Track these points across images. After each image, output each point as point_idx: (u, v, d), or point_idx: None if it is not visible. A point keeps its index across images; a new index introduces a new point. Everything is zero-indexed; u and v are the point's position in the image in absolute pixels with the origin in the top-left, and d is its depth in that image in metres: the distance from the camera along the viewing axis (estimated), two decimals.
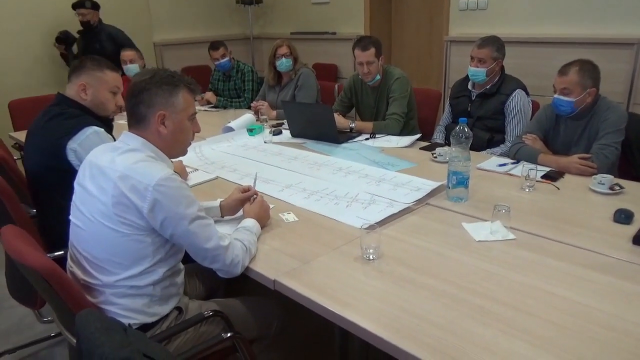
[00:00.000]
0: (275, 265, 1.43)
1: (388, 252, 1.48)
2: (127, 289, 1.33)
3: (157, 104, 1.38)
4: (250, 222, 1.56)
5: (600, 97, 2.21)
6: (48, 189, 1.91)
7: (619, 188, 1.89)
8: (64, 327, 1.44)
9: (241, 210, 1.74)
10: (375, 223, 1.57)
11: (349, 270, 1.40)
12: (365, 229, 1.45)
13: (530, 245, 1.52)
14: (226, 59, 3.87)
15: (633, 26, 3.31)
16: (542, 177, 2.05)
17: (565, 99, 2.17)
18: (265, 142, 2.79)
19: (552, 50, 3.59)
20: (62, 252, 1.67)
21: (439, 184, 1.97)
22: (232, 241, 1.41)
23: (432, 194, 1.93)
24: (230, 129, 3.00)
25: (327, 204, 1.89)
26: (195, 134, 1.51)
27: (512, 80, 2.70)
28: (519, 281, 1.32)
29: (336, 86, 3.87)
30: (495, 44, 2.62)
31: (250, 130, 2.99)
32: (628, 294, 1.25)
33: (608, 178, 1.90)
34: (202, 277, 1.77)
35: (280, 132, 2.96)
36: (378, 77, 2.93)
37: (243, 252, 1.42)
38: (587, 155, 2.12)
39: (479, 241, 1.55)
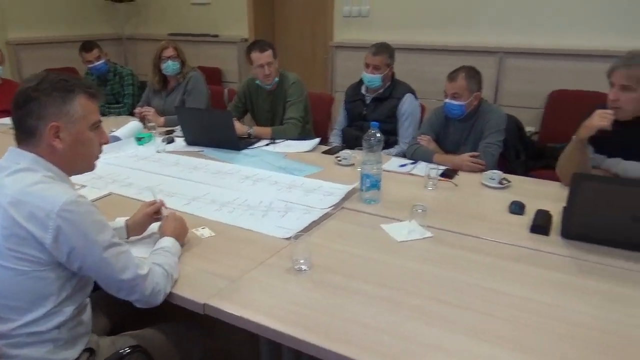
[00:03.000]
0: (202, 288, 1.32)
1: (318, 261, 1.45)
2: (27, 337, 1.12)
3: (49, 114, 1.18)
4: (168, 242, 1.42)
5: (483, 100, 2.44)
6: None
7: (507, 182, 2.09)
8: None
9: (149, 228, 1.59)
10: (299, 231, 1.54)
11: (282, 283, 1.34)
12: (294, 238, 1.41)
13: (446, 241, 1.61)
14: (101, 61, 3.52)
15: (497, 36, 3.72)
16: (440, 175, 2.19)
17: (457, 102, 2.35)
18: (158, 152, 2.59)
19: (432, 56, 3.88)
20: None
21: (350, 187, 2.00)
22: (152, 267, 1.27)
23: (345, 197, 1.94)
24: (117, 139, 2.73)
25: (241, 215, 1.80)
26: None
27: (402, 85, 2.86)
28: (446, 277, 1.38)
29: (225, 90, 3.75)
30: (388, 51, 2.75)
31: (139, 139, 2.75)
32: (539, 278, 1.37)
33: (497, 173, 2.10)
34: (107, 308, 1.56)
35: (173, 140, 2.77)
36: (277, 79, 2.90)
37: (164, 279, 1.28)
38: (475, 154, 2.31)
39: (400, 241, 1.59)
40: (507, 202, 1.86)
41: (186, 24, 5.25)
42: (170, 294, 1.30)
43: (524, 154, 2.94)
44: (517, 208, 1.82)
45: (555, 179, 2.09)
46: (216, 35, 5.04)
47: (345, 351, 1.07)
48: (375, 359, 1.05)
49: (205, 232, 1.65)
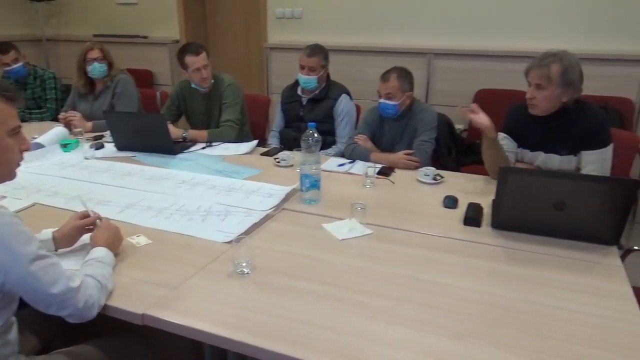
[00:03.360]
0: (140, 297, 1.27)
1: (260, 263, 1.44)
2: None
3: None
4: (101, 252, 1.35)
5: (415, 100, 2.52)
6: None
7: (440, 178, 2.18)
8: None
9: (79, 240, 1.50)
10: (240, 235, 1.53)
11: (224, 288, 1.32)
12: (235, 242, 1.39)
13: (385, 236, 1.65)
14: (20, 64, 3.29)
15: (426, 38, 3.86)
16: (377, 173, 2.24)
17: (390, 102, 2.42)
18: (86, 159, 2.46)
19: (365, 58, 3.97)
20: None
21: (290, 188, 2.00)
22: (84, 279, 1.20)
23: (285, 198, 1.94)
24: (40, 146, 2.56)
25: (179, 221, 1.75)
26: None
27: (337, 86, 2.90)
28: (387, 272, 1.41)
29: (158, 93, 3.63)
30: (323, 53, 2.78)
31: (64, 146, 2.60)
32: (473, 268, 1.44)
33: (431, 170, 2.18)
34: (35, 325, 1.46)
35: (102, 146, 2.64)
36: (212, 81, 2.84)
37: (98, 291, 1.22)
38: (410, 151, 2.39)
39: (342, 239, 1.62)
40: (441, 197, 1.94)
41: (112, 24, 5.02)
42: (106, 307, 1.23)
43: (455, 151, 3.08)
44: (450, 202, 1.90)
45: (484, 173, 2.20)
46: (145, 37, 4.86)
47: (291, 352, 1.07)
48: (322, 357, 1.06)
49: (141, 240, 1.59)
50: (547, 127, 2.03)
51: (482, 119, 2.00)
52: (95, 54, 3.00)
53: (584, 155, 1.98)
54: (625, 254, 1.81)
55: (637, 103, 3.35)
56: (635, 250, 1.88)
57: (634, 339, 1.14)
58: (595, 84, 3.27)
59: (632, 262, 1.80)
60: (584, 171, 1.97)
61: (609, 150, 1.97)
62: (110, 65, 3.09)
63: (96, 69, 3.01)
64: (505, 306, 1.25)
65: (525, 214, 1.64)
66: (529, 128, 2.09)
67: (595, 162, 1.95)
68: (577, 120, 1.97)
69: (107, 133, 2.73)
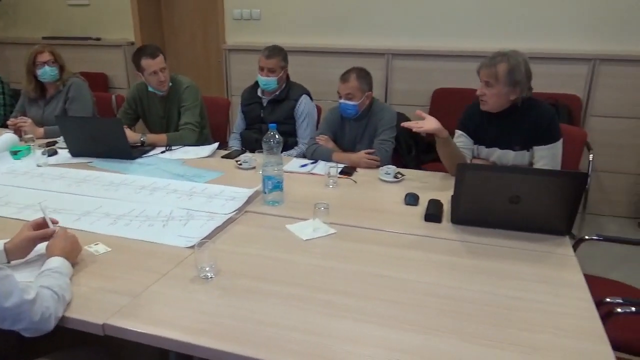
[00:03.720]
0: (101, 307, 1.23)
1: (224, 267, 1.43)
2: None
3: None
4: (57, 262, 1.30)
5: (374, 100, 2.56)
6: None
7: (401, 176, 2.21)
8: None
9: (34, 251, 1.44)
10: (203, 239, 1.51)
11: (188, 293, 1.30)
12: (198, 246, 1.37)
13: (349, 235, 1.66)
14: None
15: (385, 39, 3.92)
16: (340, 173, 2.26)
17: (351, 103, 2.44)
18: (39, 166, 2.36)
19: (324, 58, 3.98)
20: None
21: (253, 190, 1.98)
22: (39, 291, 1.15)
23: (248, 200, 1.93)
24: None
25: (139, 227, 1.71)
26: None
27: (297, 86, 2.90)
28: (352, 270, 1.43)
29: (113, 97, 3.53)
30: (282, 54, 2.77)
31: (15, 153, 2.49)
32: (435, 263, 1.48)
33: (392, 168, 2.22)
34: None
35: (55, 153, 2.55)
36: (170, 84, 2.79)
37: (55, 302, 1.17)
38: (371, 150, 2.42)
39: (306, 240, 1.62)
40: (403, 194, 1.98)
41: (63, 26, 4.84)
42: (64, 318, 1.19)
43: (415, 149, 3.14)
44: (411, 199, 1.94)
45: (444, 170, 2.26)
46: (98, 39, 4.71)
47: (258, 355, 1.07)
48: (289, 358, 1.06)
49: (99, 248, 1.54)
50: (501, 124, 2.11)
51: (429, 124, 2.02)
52: (45, 57, 2.89)
53: (536, 150, 2.06)
54: (577, 243, 1.89)
55: (584, 100, 3.51)
56: (587, 239, 1.97)
57: (586, 323, 1.19)
58: (546, 82, 3.42)
59: (583, 250, 1.89)
60: (536, 165, 2.06)
61: (559, 145, 2.06)
62: (61, 68, 2.99)
63: (47, 72, 2.90)
64: (466, 298, 1.29)
65: (483, 208, 1.69)
66: (484, 125, 2.16)
67: (547, 156, 2.04)
68: (528, 117, 2.05)
69: (61, 139, 2.63)
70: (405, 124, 2.04)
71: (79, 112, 2.99)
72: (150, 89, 2.81)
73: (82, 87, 3.06)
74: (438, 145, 2.10)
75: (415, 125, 2.02)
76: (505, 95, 2.01)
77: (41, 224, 1.46)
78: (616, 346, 1.17)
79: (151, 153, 2.58)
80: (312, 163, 2.42)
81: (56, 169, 2.32)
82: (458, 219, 1.75)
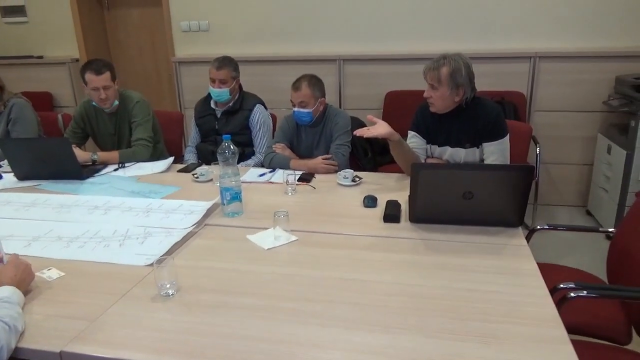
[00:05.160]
0: (56, 334, 1.18)
1: (186, 283, 1.40)
2: None
3: None
4: (7, 292, 1.23)
5: (328, 105, 2.59)
6: None
7: (359, 179, 2.24)
8: None
9: None
10: (162, 255, 1.48)
11: (149, 313, 1.27)
12: (157, 263, 1.34)
13: (311, 242, 1.67)
14: None
15: (335, 45, 3.97)
16: (298, 180, 2.27)
17: (304, 110, 2.46)
18: None
19: (275, 67, 3.99)
20: None
21: (211, 203, 1.96)
22: None
23: (207, 213, 1.91)
24: None
25: (94, 249, 1.65)
26: None
27: (251, 96, 2.89)
28: (315, 276, 1.43)
29: (59, 116, 3.41)
30: (232, 64, 2.76)
31: None
32: (396, 262, 1.50)
33: (350, 172, 2.24)
34: None
35: (0, 177, 2.43)
36: (116, 102, 2.71)
37: (6, 334, 1.12)
38: (328, 156, 2.44)
39: (268, 249, 1.62)
40: (361, 197, 2.00)
41: (1, 45, 4.64)
42: (18, 350, 1.14)
43: (371, 152, 3.19)
44: (370, 201, 1.96)
45: (400, 171, 2.30)
46: (41, 57, 4.54)
47: None
48: None
49: (52, 274, 1.48)
50: (450, 123, 2.17)
51: (380, 129, 2.04)
52: None
53: (485, 146, 2.14)
54: (529, 233, 1.97)
55: (528, 96, 3.67)
56: (538, 229, 2.05)
57: (542, 309, 1.24)
58: (491, 80, 3.56)
59: (536, 240, 1.97)
60: (487, 161, 2.13)
61: (506, 141, 2.14)
62: (1, 89, 2.86)
63: None
64: (428, 295, 1.32)
65: (439, 206, 1.74)
66: (435, 125, 2.22)
67: (496, 152, 2.12)
68: (476, 116, 2.12)
69: (4, 162, 2.51)
70: (357, 132, 2.07)
71: (23, 134, 2.87)
72: (94, 103, 2.73)
73: (25, 107, 2.94)
74: (391, 147, 2.14)
75: (367, 132, 2.05)
76: (449, 97, 2.08)
77: None
78: (571, 329, 1.23)
79: (103, 171, 2.51)
80: (270, 172, 2.42)
81: (1, 195, 2.21)
82: (416, 218, 1.79)
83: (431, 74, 2.07)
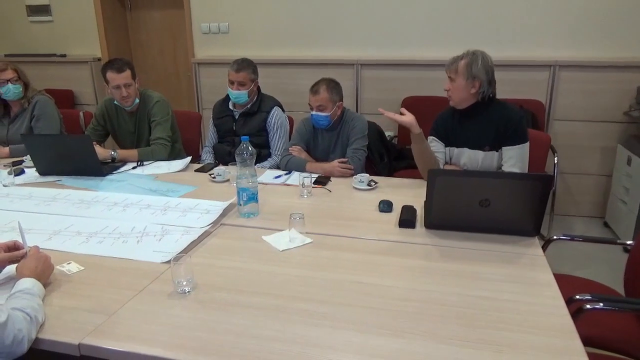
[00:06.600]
0: (75, 326, 1.21)
1: (201, 281, 1.42)
2: None
3: None
4: (28, 283, 1.27)
5: (345, 109, 2.60)
6: None
7: (374, 183, 2.25)
8: None
9: (4, 270, 1.41)
10: (179, 253, 1.50)
11: (165, 309, 1.29)
12: (174, 260, 1.36)
13: (326, 244, 1.68)
14: None
15: (353, 49, 3.99)
16: (314, 183, 2.28)
17: (322, 114, 2.47)
18: (5, 186, 2.30)
19: (294, 70, 4.01)
20: None
21: (227, 203, 1.98)
22: (11, 313, 1.12)
23: (224, 213, 1.93)
24: None
25: (113, 244, 1.68)
26: None
27: (269, 98, 2.92)
28: (328, 278, 1.44)
29: (81, 113, 3.47)
30: (251, 67, 2.78)
31: None
32: (410, 268, 1.50)
33: (365, 176, 2.25)
34: None
35: (22, 172, 2.49)
36: (137, 100, 2.76)
37: (28, 324, 1.15)
38: (344, 159, 2.45)
39: (283, 250, 1.63)
40: (377, 201, 2.00)
41: (26, 43, 4.75)
42: (38, 340, 1.17)
43: (387, 157, 3.18)
44: (385, 206, 1.97)
45: (417, 177, 2.30)
46: (64, 55, 4.63)
47: None
48: None
49: (72, 267, 1.51)
50: (470, 125, 2.17)
51: (406, 118, 2.16)
52: (8, 74, 2.83)
53: (505, 150, 2.13)
54: (546, 243, 1.96)
55: (547, 105, 3.64)
56: (555, 239, 2.03)
57: (558, 320, 1.23)
58: (510, 88, 3.54)
59: (552, 250, 1.96)
60: (505, 165, 2.12)
61: (526, 147, 2.13)
62: (26, 86, 2.93)
63: (10, 90, 2.84)
64: (440, 301, 1.32)
65: (454, 212, 1.74)
66: (455, 128, 2.23)
67: (515, 157, 2.10)
68: (497, 118, 2.12)
69: (27, 158, 2.57)
70: (382, 110, 2.20)
71: (46, 130, 2.93)
72: (116, 102, 2.78)
73: (48, 104, 3.00)
74: (412, 142, 2.17)
75: (393, 115, 2.17)
76: (465, 88, 2.11)
77: (11, 247, 1.42)
78: (586, 341, 1.22)
79: (122, 169, 2.55)
80: (286, 174, 2.43)
81: (24, 189, 2.27)
82: (431, 224, 1.79)
83: (450, 67, 2.14)
